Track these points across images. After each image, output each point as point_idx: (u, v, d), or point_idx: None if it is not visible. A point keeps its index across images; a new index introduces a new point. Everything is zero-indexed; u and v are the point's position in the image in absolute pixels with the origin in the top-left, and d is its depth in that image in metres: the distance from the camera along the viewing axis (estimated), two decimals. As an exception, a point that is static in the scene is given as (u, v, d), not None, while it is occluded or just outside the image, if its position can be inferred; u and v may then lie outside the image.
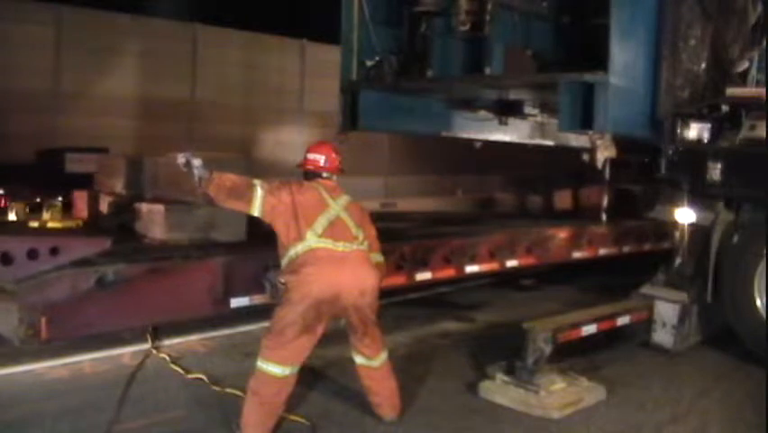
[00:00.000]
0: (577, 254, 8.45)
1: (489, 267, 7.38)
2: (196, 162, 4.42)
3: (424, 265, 6.71)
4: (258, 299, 5.48)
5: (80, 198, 6.93)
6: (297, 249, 4.32)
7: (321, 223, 4.37)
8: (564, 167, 10.75)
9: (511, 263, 7.59)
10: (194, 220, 5.88)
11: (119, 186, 6.78)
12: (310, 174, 4.69)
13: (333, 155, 4.74)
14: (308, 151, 4.78)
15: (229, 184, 4.39)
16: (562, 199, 11.00)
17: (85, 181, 7.55)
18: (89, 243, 5.05)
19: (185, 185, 5.80)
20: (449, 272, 6.98)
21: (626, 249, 9.11)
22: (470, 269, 7.17)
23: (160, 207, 5.89)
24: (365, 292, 4.38)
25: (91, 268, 4.75)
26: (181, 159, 4.44)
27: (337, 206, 4.50)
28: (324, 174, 4.68)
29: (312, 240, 4.32)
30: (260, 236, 5.85)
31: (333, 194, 4.57)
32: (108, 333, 5.23)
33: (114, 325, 4.98)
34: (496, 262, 7.40)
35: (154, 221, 5.90)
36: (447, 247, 6.95)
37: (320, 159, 4.70)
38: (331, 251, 4.33)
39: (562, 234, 8.32)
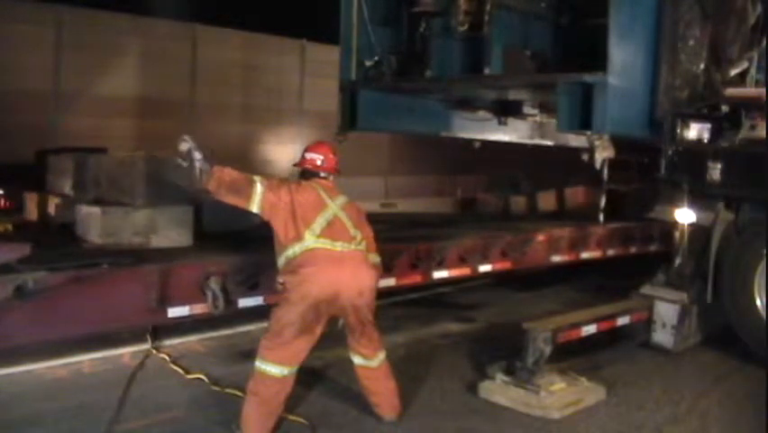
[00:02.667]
0: (556, 258, 8.18)
1: (459, 272, 7.04)
2: (198, 156, 4.41)
3: (387, 271, 6.10)
4: (199, 309, 5.16)
5: (31, 200, 6.70)
6: (295, 249, 4.32)
7: (319, 223, 4.37)
8: (570, 167, 10.58)
9: (484, 268, 7.27)
10: (133, 223, 5.54)
11: (67, 186, 6.46)
12: (308, 174, 4.69)
13: (331, 155, 4.74)
14: (306, 150, 4.78)
15: (228, 179, 4.39)
16: (547, 200, 10.77)
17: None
18: (8, 249, 4.61)
19: (124, 185, 5.68)
20: (415, 279, 6.63)
21: (611, 252, 8.88)
22: (439, 274, 6.82)
23: (96, 210, 5.58)
24: (363, 292, 4.38)
25: (9, 276, 4.35)
26: (183, 148, 4.43)
27: (335, 206, 4.50)
28: (322, 174, 4.68)
29: (310, 240, 4.32)
30: (210, 241, 5.82)
31: (331, 194, 4.57)
32: (28, 346, 4.88)
33: (35, 337, 4.62)
34: (467, 266, 7.08)
35: (90, 224, 5.59)
36: (413, 252, 6.58)
37: (318, 158, 4.70)
38: (329, 251, 4.33)
39: (540, 236, 8.01)
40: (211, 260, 5.32)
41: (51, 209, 6.45)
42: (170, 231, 5.68)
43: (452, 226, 8.21)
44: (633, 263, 8.57)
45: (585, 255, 8.52)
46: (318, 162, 4.69)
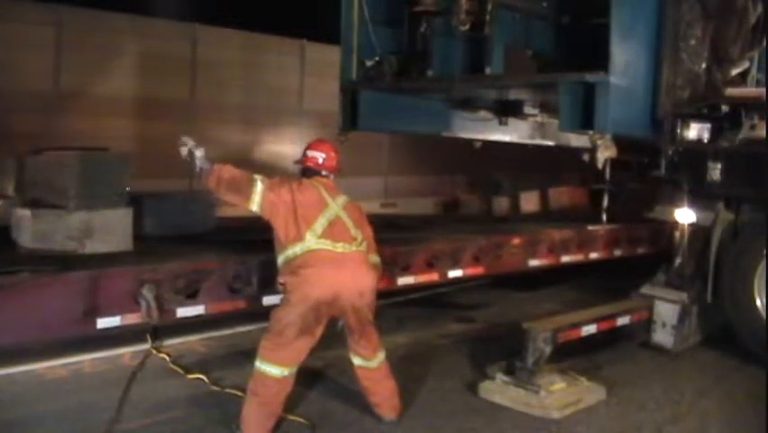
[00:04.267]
0: (534, 262, 7.93)
1: (426, 278, 6.76)
2: (198, 153, 4.42)
3: None
4: (132, 320, 4.89)
5: None
6: (296, 249, 4.31)
7: (321, 223, 4.36)
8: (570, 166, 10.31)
9: (454, 274, 7.02)
10: (66, 227, 5.26)
11: (10, 188, 6.18)
12: (309, 172, 4.67)
13: (333, 153, 4.73)
14: (308, 148, 4.75)
15: (228, 177, 4.38)
16: (529, 201, 10.53)
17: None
18: None
19: (58, 186, 5.38)
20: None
21: (594, 255, 8.65)
22: (403, 281, 6.51)
23: (27, 213, 5.33)
24: (364, 293, 4.38)
25: None
26: (183, 148, 4.43)
27: (336, 205, 4.49)
28: (324, 172, 4.67)
29: (311, 241, 4.31)
30: (153, 245, 5.64)
31: (332, 193, 4.56)
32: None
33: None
34: (435, 272, 6.81)
35: (23, 228, 5.35)
36: None
37: (320, 157, 4.68)
38: (330, 252, 4.32)
39: (516, 240, 7.75)
40: (146, 266, 5.03)
41: None
42: (107, 235, 5.38)
43: (427, 229, 7.98)
44: (633, 264, 8.55)
45: (566, 259, 8.30)
46: (320, 161, 4.67)
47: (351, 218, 4.51)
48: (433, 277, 6.84)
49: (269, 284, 5.52)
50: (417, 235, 7.31)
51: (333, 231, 4.38)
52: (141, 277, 4.92)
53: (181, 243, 5.87)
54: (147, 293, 4.86)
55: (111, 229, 5.42)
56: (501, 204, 10.79)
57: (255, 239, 6.18)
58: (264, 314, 4.73)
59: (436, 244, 6.99)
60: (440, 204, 12.17)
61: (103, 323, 4.78)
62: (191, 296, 5.20)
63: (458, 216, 10.46)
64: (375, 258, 4.69)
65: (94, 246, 5.31)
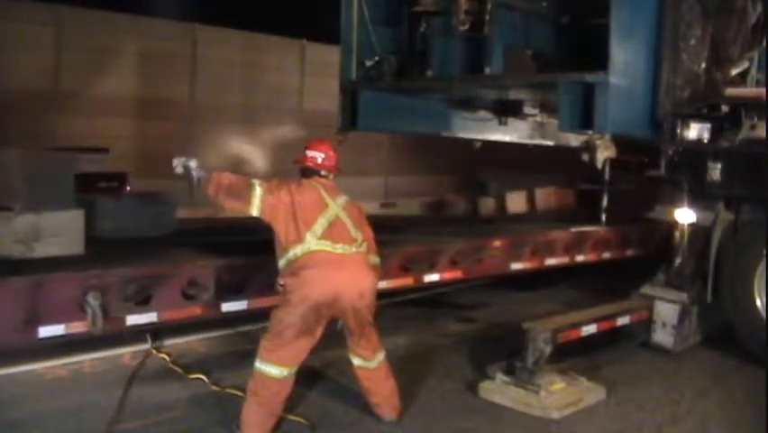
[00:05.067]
0: (517, 266, 7.72)
1: (400, 283, 6.51)
2: (193, 164, 4.42)
3: None
4: (77, 328, 4.64)
5: None
6: (297, 251, 4.31)
7: (320, 224, 4.35)
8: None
9: (430, 278, 6.82)
10: (13, 230, 5.02)
11: None
12: (308, 172, 4.66)
13: (332, 153, 4.71)
14: (307, 148, 4.73)
15: (227, 183, 4.37)
16: (516, 202, 10.32)
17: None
18: None
19: (4, 187, 5.22)
20: None
21: (580, 258, 8.44)
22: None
23: None
24: (364, 295, 4.37)
25: None
26: (177, 165, 4.43)
27: (336, 205, 4.48)
28: (323, 172, 4.65)
29: (311, 242, 4.30)
30: (107, 249, 5.42)
31: (332, 193, 4.55)
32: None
33: None
34: (410, 276, 6.59)
35: None
36: None
37: (319, 156, 4.66)
38: (330, 253, 4.31)
39: (497, 243, 7.51)
40: (92, 271, 4.74)
41: None
42: (57, 238, 5.12)
43: (406, 231, 7.75)
44: (635, 265, 8.53)
45: (551, 262, 8.09)
46: (319, 160, 4.66)
47: (351, 219, 4.50)
48: (407, 282, 6.62)
49: (228, 290, 5.43)
50: (394, 238, 6.94)
51: (332, 232, 4.37)
52: (86, 283, 4.65)
53: (138, 246, 5.65)
54: (92, 300, 4.61)
55: (61, 232, 5.17)
56: (487, 205, 10.57)
57: (216, 242, 6.13)
58: (264, 314, 4.74)
59: (412, 247, 6.76)
60: (426, 204, 12.01)
61: (45, 332, 4.54)
62: (142, 303, 4.96)
63: (442, 218, 10.29)
64: (375, 259, 4.69)
65: (44, 250, 5.07)
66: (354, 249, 4.42)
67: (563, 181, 10.42)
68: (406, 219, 9.65)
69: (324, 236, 4.33)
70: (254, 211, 4.36)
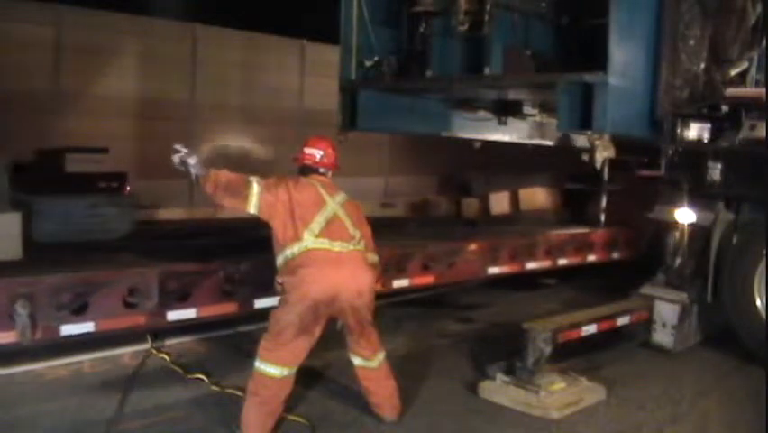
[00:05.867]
0: (494, 270, 7.50)
1: None
2: (192, 161, 4.39)
3: (264, 290, 5.36)
4: (5, 339, 4.42)
5: None
6: (294, 249, 4.30)
7: (318, 222, 4.35)
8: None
9: (400, 283, 6.56)
10: None
11: None
12: (307, 169, 4.65)
13: (331, 151, 4.70)
14: (306, 145, 4.72)
15: (224, 181, 4.36)
16: (500, 202, 10.17)
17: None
18: None
19: None
20: None
21: (563, 261, 8.24)
22: None
23: None
24: (362, 293, 4.37)
25: None
26: (176, 157, 4.41)
27: (334, 203, 4.47)
28: (321, 170, 4.65)
29: (309, 240, 4.30)
30: (46, 254, 5.21)
31: (330, 191, 4.54)
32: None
33: None
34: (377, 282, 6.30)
35: None
36: None
37: (317, 154, 4.65)
38: (327, 252, 4.31)
39: (473, 246, 7.26)
40: (22, 279, 4.49)
41: None
42: None
43: (380, 233, 7.22)
44: (635, 266, 8.50)
45: (532, 266, 7.89)
46: (317, 158, 4.65)
47: (349, 217, 4.49)
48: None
49: (174, 297, 5.18)
50: None
51: (330, 230, 4.37)
52: (14, 291, 4.41)
53: (82, 250, 5.41)
54: (21, 310, 4.37)
55: None
56: (470, 205, 10.40)
57: (171, 246, 5.94)
58: (264, 315, 4.74)
59: (381, 251, 6.24)
60: (410, 205, 11.87)
61: None
62: (78, 312, 4.74)
63: (423, 219, 10.06)
64: (373, 257, 4.69)
65: None
66: (352, 247, 4.42)
67: (548, 181, 10.29)
68: (383, 220, 9.39)
69: (321, 234, 4.33)
70: (252, 209, 4.35)
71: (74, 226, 5.75)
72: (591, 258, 8.56)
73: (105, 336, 5.02)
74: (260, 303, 5.54)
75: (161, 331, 5.88)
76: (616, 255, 8.90)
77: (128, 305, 4.98)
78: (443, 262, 7.00)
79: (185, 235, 6.90)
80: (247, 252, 5.68)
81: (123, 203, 6.28)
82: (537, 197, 9.87)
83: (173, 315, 5.19)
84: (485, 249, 7.44)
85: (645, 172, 8.82)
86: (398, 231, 7.96)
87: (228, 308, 5.52)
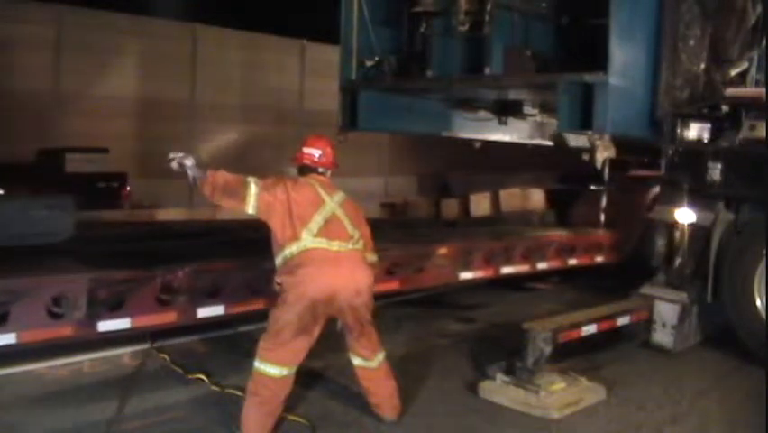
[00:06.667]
0: (466, 275, 7.15)
1: None
2: (189, 163, 4.38)
3: (211, 297, 5.23)
4: None
5: None
6: (293, 249, 4.29)
7: (317, 221, 4.34)
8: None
9: None
10: None
11: None
12: (305, 169, 4.63)
13: (329, 150, 4.68)
14: (304, 145, 4.70)
15: (222, 182, 4.35)
16: (480, 203, 9.88)
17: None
18: None
19: None
20: (255, 305, 5.43)
21: (542, 265, 7.90)
22: None
23: None
24: (360, 292, 4.36)
25: None
26: (173, 164, 4.41)
27: (333, 202, 4.46)
28: (320, 169, 4.63)
29: (307, 240, 4.29)
30: None
31: (329, 190, 4.53)
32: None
33: None
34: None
35: None
36: (247, 274, 5.43)
37: (316, 153, 4.63)
38: (326, 251, 4.30)
39: (442, 250, 6.86)
40: None
41: None
42: None
43: None
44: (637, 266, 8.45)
45: (508, 270, 7.52)
46: (316, 157, 4.63)
47: (348, 216, 4.49)
48: None
49: (105, 307, 4.86)
50: None
51: (329, 229, 4.36)
52: None
53: (4, 256, 5.04)
54: None
55: None
56: (450, 206, 10.14)
57: (110, 251, 5.66)
58: (263, 315, 4.73)
59: None
60: (387, 207, 11.69)
61: None
62: None
63: (400, 221, 9.84)
64: (372, 256, 4.68)
65: None
66: (351, 246, 4.41)
67: (530, 181, 10.13)
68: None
69: (320, 234, 4.32)
70: (250, 209, 4.34)
71: (8, 230, 5.33)
72: (573, 262, 8.21)
73: (28, 348, 4.73)
74: (204, 312, 5.32)
75: (161, 331, 5.89)
76: (599, 259, 8.54)
77: (53, 315, 4.63)
78: (411, 267, 6.67)
79: (134, 239, 6.62)
80: (190, 257, 5.43)
81: (62, 205, 5.75)
82: (520, 198, 9.60)
83: (105, 325, 4.85)
84: (457, 253, 7.03)
85: (638, 172, 8.76)
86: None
87: (166, 317, 5.21)
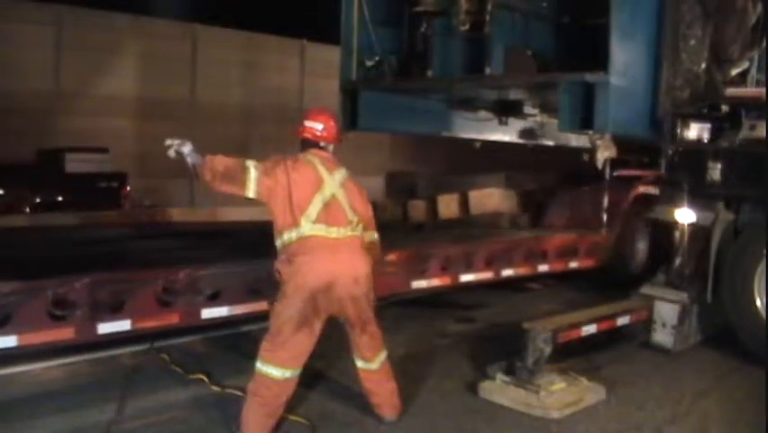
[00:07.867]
0: (420, 284, 6.49)
1: (255, 307, 5.32)
2: (186, 150, 4.34)
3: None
4: None
5: None
6: (291, 235, 4.26)
7: (315, 206, 4.28)
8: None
9: None
10: None
11: None
12: (307, 143, 4.56)
13: (332, 123, 4.60)
14: (306, 118, 4.63)
15: (221, 168, 4.29)
16: (448, 205, 9.39)
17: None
18: None
19: None
20: (168, 319, 5.04)
21: (508, 272, 7.23)
22: (214, 312, 5.18)
23: None
24: (359, 280, 4.33)
25: None
26: (170, 152, 4.38)
27: (333, 182, 4.40)
28: (322, 144, 4.56)
29: (306, 227, 4.25)
30: None
31: (329, 166, 4.46)
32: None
33: None
34: (263, 300, 5.22)
35: None
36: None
37: (318, 127, 4.55)
38: (324, 238, 4.26)
39: (393, 256, 6.15)
40: None
41: None
42: None
43: None
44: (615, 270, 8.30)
45: (468, 278, 6.88)
46: (318, 131, 4.56)
47: (347, 198, 4.42)
48: (260, 306, 5.29)
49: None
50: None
51: (328, 214, 4.30)
52: None
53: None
54: None
55: None
56: (417, 208, 9.63)
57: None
58: (264, 315, 4.73)
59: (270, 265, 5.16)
60: None
61: None
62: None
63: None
64: (373, 235, 4.60)
65: None
66: (350, 231, 4.36)
67: (501, 182, 9.79)
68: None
69: (319, 219, 4.27)
70: (250, 193, 4.29)
71: None
72: (543, 268, 7.59)
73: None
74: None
75: (161, 331, 5.88)
76: (574, 264, 7.95)
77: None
78: None
79: (37, 246, 6.42)
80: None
81: None
82: (490, 199, 9.06)
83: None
84: (409, 260, 6.40)
85: (624, 172, 8.66)
86: None
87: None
